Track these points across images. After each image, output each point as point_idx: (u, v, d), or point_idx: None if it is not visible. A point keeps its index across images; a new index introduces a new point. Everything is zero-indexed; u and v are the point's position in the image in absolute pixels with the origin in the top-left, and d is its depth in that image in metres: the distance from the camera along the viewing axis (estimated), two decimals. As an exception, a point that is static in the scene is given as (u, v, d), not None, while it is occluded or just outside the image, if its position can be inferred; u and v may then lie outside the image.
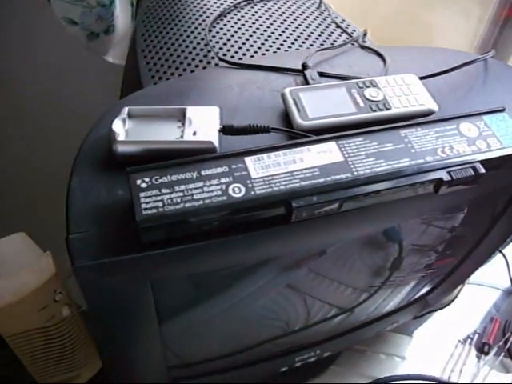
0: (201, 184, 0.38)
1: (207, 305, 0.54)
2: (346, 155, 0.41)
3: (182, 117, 0.44)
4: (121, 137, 0.42)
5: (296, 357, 0.68)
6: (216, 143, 0.42)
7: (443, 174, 0.41)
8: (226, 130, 0.43)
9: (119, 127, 0.43)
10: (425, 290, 0.72)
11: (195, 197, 0.38)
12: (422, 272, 0.68)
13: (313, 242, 0.44)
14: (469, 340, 0.83)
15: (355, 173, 0.40)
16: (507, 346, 0.81)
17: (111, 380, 0.74)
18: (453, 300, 0.85)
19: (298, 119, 0.45)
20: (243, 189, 0.38)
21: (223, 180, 0.39)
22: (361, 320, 0.71)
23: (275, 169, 0.40)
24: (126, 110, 0.45)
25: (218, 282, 0.51)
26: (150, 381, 0.61)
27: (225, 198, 0.38)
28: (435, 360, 0.80)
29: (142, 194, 0.37)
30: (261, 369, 0.67)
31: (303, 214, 0.38)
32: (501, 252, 0.92)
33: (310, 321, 0.66)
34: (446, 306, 0.84)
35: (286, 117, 0.46)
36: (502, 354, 0.81)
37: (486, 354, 0.81)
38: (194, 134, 0.42)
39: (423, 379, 0.76)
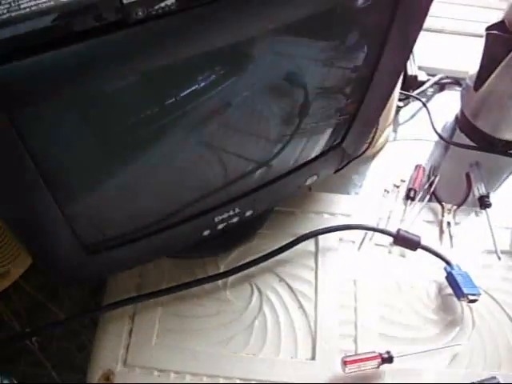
0: (27, -6, 0.36)
1: (110, 167, 0.52)
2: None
3: None
4: None
5: (215, 217, 0.68)
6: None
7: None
8: None
9: None
10: (339, 137, 0.72)
11: (22, 6, 0.35)
12: (332, 118, 0.67)
13: (158, 50, 0.42)
14: (395, 188, 0.83)
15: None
16: (432, 190, 0.82)
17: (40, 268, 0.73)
18: (377, 153, 0.85)
19: None
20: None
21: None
22: (278, 172, 0.70)
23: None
24: None
25: (120, 142, 0.49)
26: (70, 261, 0.61)
27: (52, 2, 0.35)
28: (364, 211, 0.81)
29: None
30: (180, 233, 0.67)
31: (138, 12, 0.37)
32: (424, 105, 0.92)
33: (226, 178, 0.65)
34: (371, 158, 0.83)
35: None
36: (427, 197, 0.82)
37: (413, 199, 0.81)
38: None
39: (350, 228, 0.76)
